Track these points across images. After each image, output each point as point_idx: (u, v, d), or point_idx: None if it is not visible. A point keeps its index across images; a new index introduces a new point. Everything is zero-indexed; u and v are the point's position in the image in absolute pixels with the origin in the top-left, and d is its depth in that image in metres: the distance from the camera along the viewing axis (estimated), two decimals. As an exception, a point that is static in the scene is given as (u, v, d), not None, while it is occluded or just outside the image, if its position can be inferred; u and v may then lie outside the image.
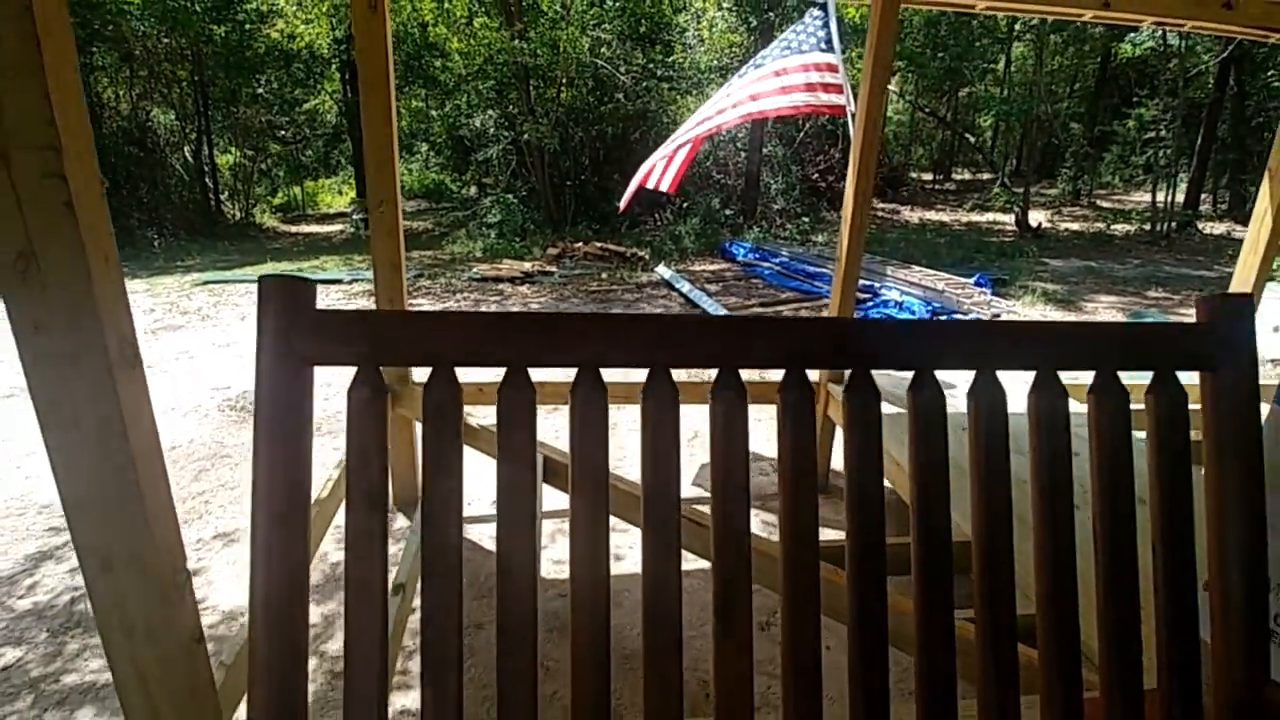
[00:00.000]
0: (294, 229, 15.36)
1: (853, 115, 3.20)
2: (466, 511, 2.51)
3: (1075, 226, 14.90)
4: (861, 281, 8.01)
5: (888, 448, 2.20)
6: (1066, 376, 0.80)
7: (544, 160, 12.94)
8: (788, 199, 13.69)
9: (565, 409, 0.72)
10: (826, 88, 3.57)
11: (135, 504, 1.00)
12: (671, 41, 14.22)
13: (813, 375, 3.18)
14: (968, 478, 0.80)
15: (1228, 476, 0.80)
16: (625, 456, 3.51)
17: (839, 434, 3.17)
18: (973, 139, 21.29)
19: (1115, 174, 18.42)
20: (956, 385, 3.45)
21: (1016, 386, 0.70)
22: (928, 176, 22.36)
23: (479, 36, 12.84)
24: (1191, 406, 0.81)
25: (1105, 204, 17.54)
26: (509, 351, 0.68)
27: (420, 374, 1.56)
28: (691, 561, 2.24)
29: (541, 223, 12.94)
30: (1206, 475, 0.81)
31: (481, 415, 2.90)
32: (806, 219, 13.36)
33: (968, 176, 23.08)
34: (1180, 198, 14.92)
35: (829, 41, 3.66)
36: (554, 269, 9.62)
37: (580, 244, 10.94)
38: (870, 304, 7.55)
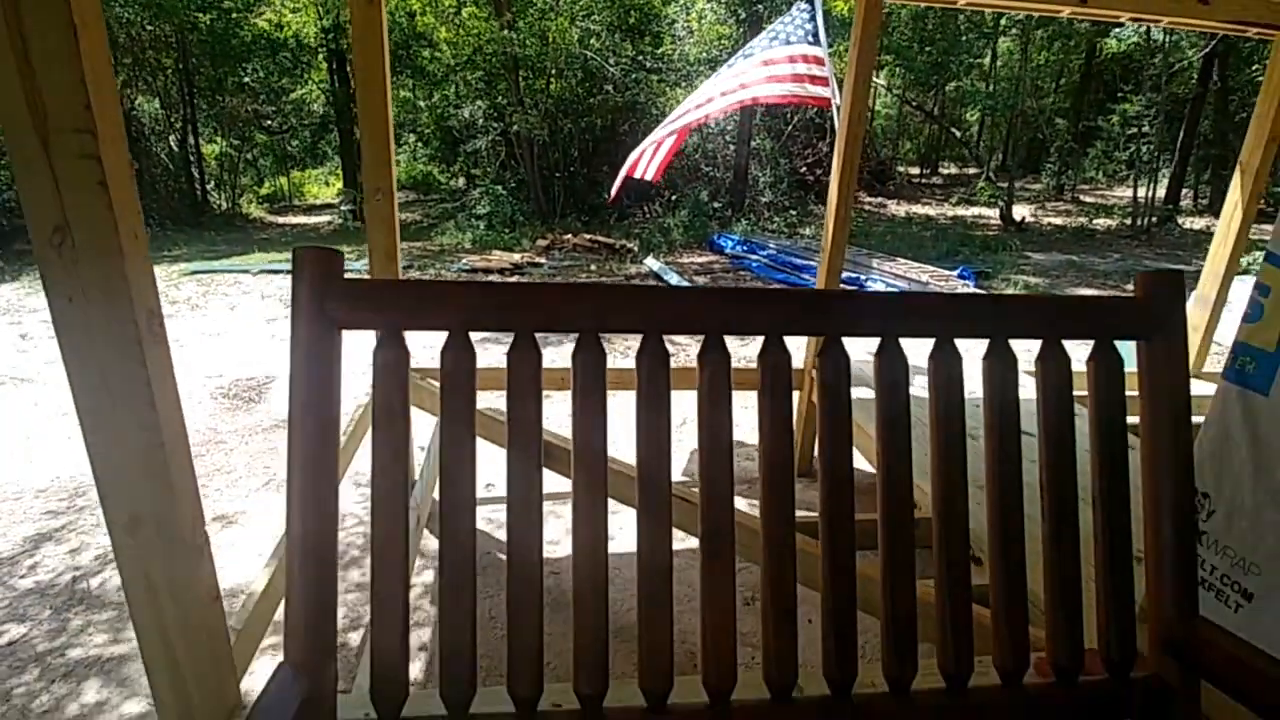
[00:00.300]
0: (281, 219, 15.29)
1: (838, 108, 3.29)
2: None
3: (1058, 221, 15.09)
4: (847, 274, 8.13)
5: (860, 422, 2.30)
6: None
7: (533, 152, 12.96)
8: (775, 192, 13.78)
9: (564, 396, 0.80)
10: (813, 80, 3.65)
11: (161, 467, 1.07)
12: (660, 33, 14.25)
13: (798, 363, 3.28)
14: (929, 442, 0.89)
15: (1161, 434, 0.89)
16: (618, 439, 3.58)
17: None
18: (959, 134, 21.46)
19: (1099, 169, 18.62)
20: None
21: (970, 358, 0.78)
22: (915, 171, 22.53)
23: (467, 26, 12.82)
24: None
25: (1088, 199, 17.76)
26: (519, 318, 0.76)
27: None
28: (680, 541, 2.33)
29: (531, 214, 12.96)
30: (1141, 433, 0.90)
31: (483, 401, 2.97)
32: (794, 212, 13.46)
33: (954, 171, 23.27)
34: (1162, 193, 15.13)
35: (816, 35, 3.75)
36: (543, 260, 9.67)
37: (569, 236, 10.99)
38: (856, 295, 7.64)
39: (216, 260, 9.57)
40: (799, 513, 0.87)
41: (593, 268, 9.38)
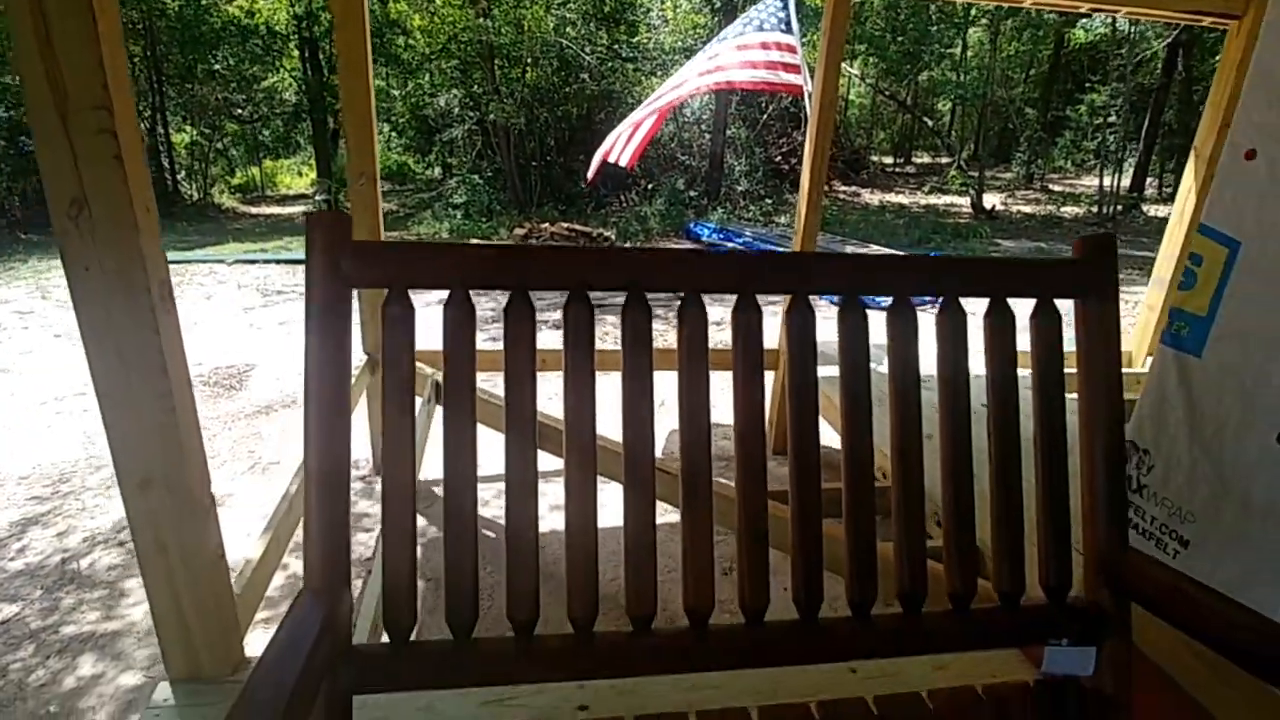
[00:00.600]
0: (254, 210, 15.11)
1: (809, 95, 3.38)
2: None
3: (1028, 209, 15.40)
4: (822, 260, 8.24)
5: (829, 393, 2.41)
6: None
7: (509, 141, 12.94)
8: (751, 180, 13.90)
9: (555, 376, 0.88)
10: (786, 67, 3.75)
11: (171, 429, 1.13)
12: (636, 22, 14.26)
13: (769, 343, 3.38)
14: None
15: (1096, 385, 0.99)
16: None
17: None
18: (931, 123, 21.74)
19: (1068, 158, 18.97)
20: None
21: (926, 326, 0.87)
22: (888, 160, 22.79)
23: (442, 14, 12.73)
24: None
25: (1056, 187, 18.12)
26: (515, 277, 0.84)
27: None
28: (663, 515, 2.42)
29: (508, 203, 12.96)
30: (1079, 381, 1.00)
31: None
32: (769, 200, 13.59)
33: (927, 160, 23.58)
34: (1127, 182, 15.49)
35: (788, 23, 3.84)
36: (521, 249, 9.69)
37: (547, 224, 11.02)
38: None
39: (190, 250, 9.47)
40: (772, 488, 0.96)
41: (571, 256, 9.40)
